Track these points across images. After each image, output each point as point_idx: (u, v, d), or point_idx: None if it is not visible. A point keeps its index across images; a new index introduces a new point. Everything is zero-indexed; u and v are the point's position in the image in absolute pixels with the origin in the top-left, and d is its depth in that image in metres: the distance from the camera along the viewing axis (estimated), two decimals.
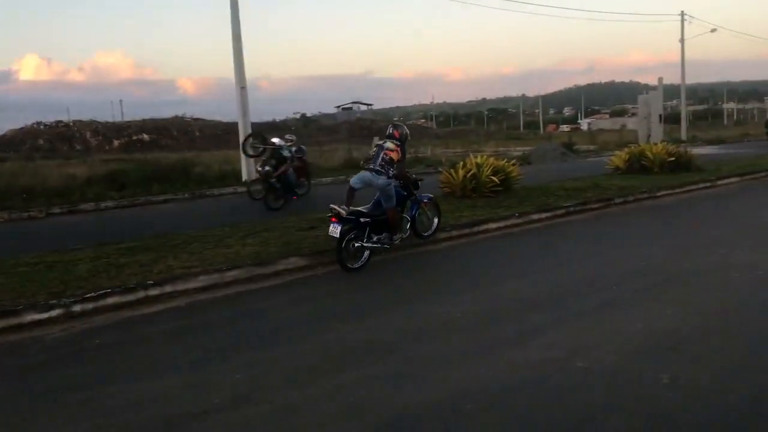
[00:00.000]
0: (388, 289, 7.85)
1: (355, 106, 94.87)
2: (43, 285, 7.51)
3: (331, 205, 8.66)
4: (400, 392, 4.53)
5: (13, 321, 6.55)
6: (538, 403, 4.26)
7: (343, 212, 8.59)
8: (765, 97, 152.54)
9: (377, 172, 9.05)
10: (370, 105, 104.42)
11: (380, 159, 9.14)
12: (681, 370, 4.68)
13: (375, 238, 8.95)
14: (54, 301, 6.85)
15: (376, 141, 9.70)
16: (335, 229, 8.50)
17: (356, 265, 8.65)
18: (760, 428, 3.81)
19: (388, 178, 9.06)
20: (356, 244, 8.69)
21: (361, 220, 8.81)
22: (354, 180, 9.26)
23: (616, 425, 3.92)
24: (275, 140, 15.82)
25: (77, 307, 6.91)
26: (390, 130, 9.58)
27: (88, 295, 7.07)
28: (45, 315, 6.70)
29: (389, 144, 9.26)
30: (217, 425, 4.18)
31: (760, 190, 16.51)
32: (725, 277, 7.41)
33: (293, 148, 16.29)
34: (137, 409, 4.47)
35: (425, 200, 10.06)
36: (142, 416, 4.37)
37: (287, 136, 19.25)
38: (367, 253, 8.80)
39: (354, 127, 65.11)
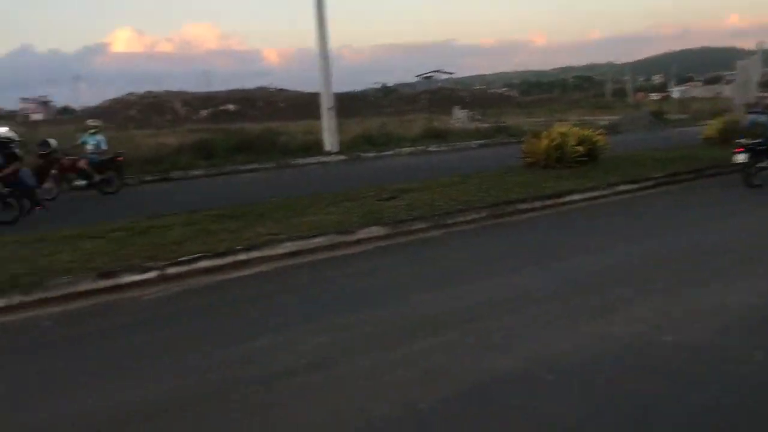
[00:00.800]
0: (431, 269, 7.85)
1: (435, 75, 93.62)
2: (138, 249, 7.87)
3: (737, 140, 11.78)
4: (482, 359, 4.57)
5: (111, 282, 6.90)
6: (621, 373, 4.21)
7: (748, 143, 11.45)
8: None
9: (760, 113, 13.41)
10: (452, 73, 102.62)
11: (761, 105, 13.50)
12: None
13: (766, 162, 11.45)
14: (150, 264, 7.21)
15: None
16: (740, 157, 11.24)
17: (757, 182, 11.24)
18: None
19: None
20: (757, 165, 11.28)
21: (758, 148, 11.34)
22: (747, 123, 13.45)
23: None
24: (0, 130, 11.97)
25: (172, 270, 7.25)
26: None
27: (182, 259, 7.40)
28: (142, 276, 7.06)
29: None
30: (304, 386, 4.31)
31: None
32: None
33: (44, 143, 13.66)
34: (225, 370, 4.66)
35: None
36: (228, 377, 4.56)
37: (90, 122, 15.88)
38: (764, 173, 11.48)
39: (435, 97, 64.50)
